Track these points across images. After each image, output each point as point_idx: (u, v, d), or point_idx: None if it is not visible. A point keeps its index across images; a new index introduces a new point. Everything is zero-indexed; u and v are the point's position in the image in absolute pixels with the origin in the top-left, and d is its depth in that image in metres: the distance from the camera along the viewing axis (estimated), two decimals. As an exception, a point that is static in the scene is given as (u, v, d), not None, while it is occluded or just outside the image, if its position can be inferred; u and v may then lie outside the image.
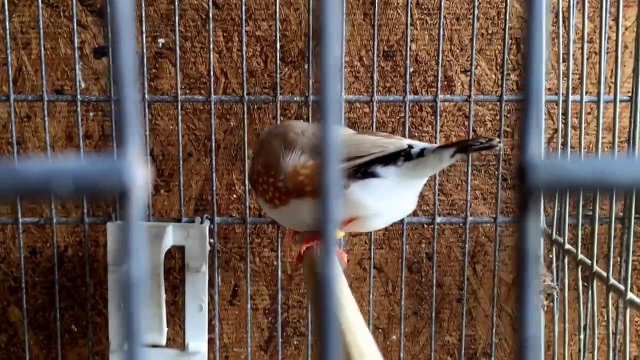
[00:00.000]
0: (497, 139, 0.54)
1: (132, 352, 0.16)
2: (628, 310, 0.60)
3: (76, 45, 0.76)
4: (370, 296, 0.80)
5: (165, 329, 0.72)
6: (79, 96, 0.76)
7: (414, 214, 0.83)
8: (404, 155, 0.56)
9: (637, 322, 0.85)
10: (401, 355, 0.81)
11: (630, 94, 0.69)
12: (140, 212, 0.15)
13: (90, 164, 0.15)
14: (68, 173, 0.15)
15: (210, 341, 0.80)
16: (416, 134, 0.82)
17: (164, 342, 0.72)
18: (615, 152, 0.67)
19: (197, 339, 0.76)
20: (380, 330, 0.86)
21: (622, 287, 0.61)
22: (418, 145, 0.58)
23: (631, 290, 0.61)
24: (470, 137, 0.78)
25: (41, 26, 0.74)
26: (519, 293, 0.17)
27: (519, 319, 0.16)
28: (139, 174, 0.15)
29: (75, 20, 0.75)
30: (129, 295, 0.15)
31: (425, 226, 0.83)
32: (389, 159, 0.56)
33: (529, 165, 0.16)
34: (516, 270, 0.17)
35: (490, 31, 0.81)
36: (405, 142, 0.58)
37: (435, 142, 0.78)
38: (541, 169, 0.16)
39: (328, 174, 0.16)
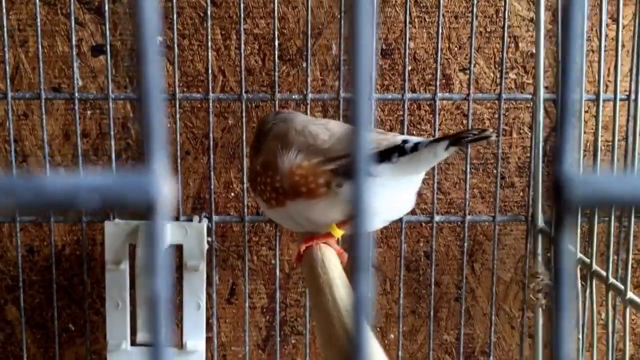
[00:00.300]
0: (491, 130, 0.53)
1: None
2: (628, 309, 0.60)
3: (74, 43, 0.76)
4: (368, 295, 0.80)
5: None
6: (76, 94, 0.76)
7: (412, 212, 0.83)
8: (398, 151, 0.56)
9: (633, 320, 0.85)
10: (399, 354, 0.81)
11: (627, 93, 0.69)
12: (165, 226, 0.15)
13: (117, 179, 0.15)
14: (95, 188, 0.15)
15: (208, 340, 0.80)
16: (414, 133, 0.82)
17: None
18: (614, 151, 0.67)
19: (195, 338, 0.76)
20: (378, 329, 0.86)
21: (621, 286, 0.61)
22: (412, 140, 0.57)
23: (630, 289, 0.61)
24: (469, 135, 0.78)
25: (39, 24, 0.74)
26: (554, 314, 0.16)
27: (553, 341, 0.16)
28: (166, 188, 0.15)
29: (72, 18, 0.75)
30: (155, 312, 0.15)
31: (424, 225, 0.83)
32: (383, 155, 0.56)
33: (565, 180, 0.16)
34: (553, 291, 0.16)
35: (488, 29, 0.81)
36: (399, 138, 0.58)
37: (434, 141, 0.78)
38: (578, 184, 0.16)
39: (360, 179, 0.16)
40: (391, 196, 0.58)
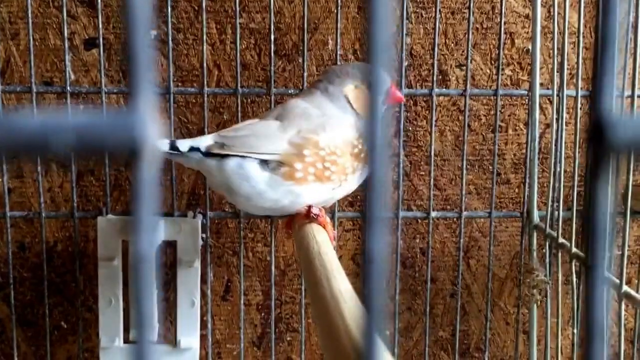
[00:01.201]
0: None
1: (142, 342, 0.14)
2: (623, 303, 0.60)
3: (66, 36, 0.74)
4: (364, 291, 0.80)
5: (157, 325, 0.71)
6: (68, 88, 0.75)
7: (408, 208, 0.83)
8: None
9: (625, 317, 0.85)
10: (395, 350, 0.81)
11: (620, 89, 0.69)
12: (153, 173, 0.13)
13: (96, 118, 0.13)
14: (71, 128, 0.13)
15: (202, 337, 0.79)
16: (411, 128, 0.82)
17: (155, 338, 0.71)
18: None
19: (189, 335, 0.75)
20: (373, 325, 0.86)
21: (617, 280, 0.62)
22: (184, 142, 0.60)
23: (626, 283, 0.61)
24: (466, 132, 0.78)
25: (30, 16, 0.73)
26: (587, 277, 0.15)
27: (587, 300, 0.15)
28: (153, 130, 0.13)
29: (64, 10, 0.74)
30: (138, 272, 0.14)
31: (420, 221, 0.83)
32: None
33: (606, 121, 0.14)
34: (585, 243, 0.15)
35: (485, 25, 0.81)
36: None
37: (431, 137, 0.78)
38: (620, 126, 0.14)
39: (376, 168, 0.15)
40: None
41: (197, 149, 0.59)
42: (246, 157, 0.58)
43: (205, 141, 0.60)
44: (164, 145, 0.59)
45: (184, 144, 0.59)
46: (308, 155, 0.57)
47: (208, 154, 0.59)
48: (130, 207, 0.14)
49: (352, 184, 0.62)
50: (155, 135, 0.13)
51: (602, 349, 0.15)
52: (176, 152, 0.60)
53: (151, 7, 0.14)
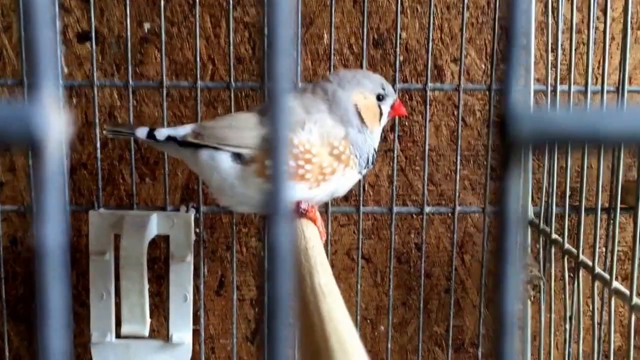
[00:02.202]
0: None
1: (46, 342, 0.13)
2: (613, 300, 0.60)
3: (58, 29, 0.74)
4: (359, 286, 0.80)
5: (149, 320, 0.71)
6: (60, 81, 0.74)
7: (403, 203, 0.83)
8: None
9: (621, 312, 0.85)
10: (389, 345, 0.81)
11: (616, 85, 0.69)
12: (56, 167, 0.13)
13: None
14: None
15: (195, 332, 0.79)
16: (406, 123, 0.82)
17: (146, 333, 0.70)
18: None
19: (182, 330, 0.75)
20: (368, 320, 0.86)
21: (607, 276, 0.61)
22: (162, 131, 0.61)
23: (616, 280, 0.61)
24: (460, 126, 0.78)
25: (21, 9, 0.72)
26: (497, 266, 0.15)
27: (497, 299, 0.15)
28: (54, 122, 0.13)
29: (57, 3, 0.73)
30: (41, 269, 0.13)
31: (414, 216, 0.83)
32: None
33: (512, 115, 0.14)
34: (494, 241, 0.15)
35: (480, 20, 0.81)
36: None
37: (425, 131, 0.78)
38: (526, 119, 0.14)
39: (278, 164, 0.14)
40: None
41: (174, 139, 0.59)
42: (219, 148, 0.58)
43: (183, 130, 0.60)
44: (142, 132, 0.59)
45: (161, 133, 0.60)
46: None
47: (184, 143, 0.59)
48: (33, 199, 0.13)
49: (335, 184, 0.60)
50: (57, 128, 0.13)
51: (511, 343, 0.14)
52: (154, 140, 0.60)
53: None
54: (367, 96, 0.62)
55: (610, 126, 0.14)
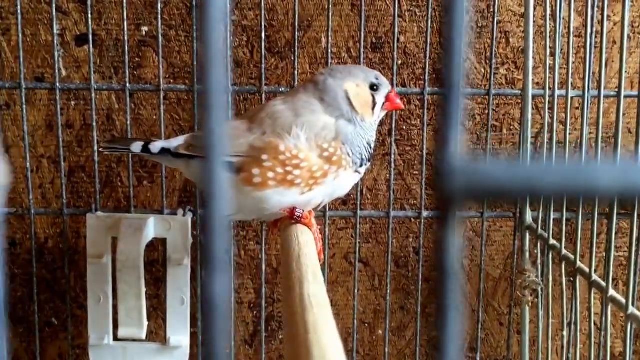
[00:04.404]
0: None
1: None
2: (610, 307, 0.60)
3: (56, 32, 0.74)
4: (356, 290, 0.79)
5: (146, 323, 0.71)
6: (58, 84, 0.75)
7: (401, 207, 0.83)
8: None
9: (621, 317, 0.85)
10: (387, 350, 0.80)
11: (617, 90, 0.69)
12: None
13: None
14: None
15: (193, 335, 0.79)
16: (404, 127, 0.82)
17: (144, 336, 0.71)
18: (598, 148, 0.67)
19: (179, 333, 0.75)
20: (366, 324, 0.85)
21: (604, 283, 0.61)
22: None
23: (616, 286, 0.61)
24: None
25: (19, 11, 0.72)
26: (437, 306, 0.15)
27: (438, 336, 0.15)
28: None
29: (54, 6, 0.73)
30: None
31: (413, 220, 0.83)
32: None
33: (446, 171, 0.14)
34: (435, 285, 0.15)
35: (479, 24, 0.81)
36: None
37: (423, 135, 0.77)
38: (461, 172, 0.14)
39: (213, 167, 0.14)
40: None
41: (168, 150, 0.59)
42: None
43: (176, 142, 0.61)
44: (137, 147, 0.60)
45: (155, 146, 0.61)
46: (266, 160, 0.56)
47: (177, 154, 0.59)
48: None
49: (331, 187, 0.60)
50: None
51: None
52: (149, 154, 0.61)
53: None
54: (359, 84, 0.60)
55: (543, 180, 0.14)
